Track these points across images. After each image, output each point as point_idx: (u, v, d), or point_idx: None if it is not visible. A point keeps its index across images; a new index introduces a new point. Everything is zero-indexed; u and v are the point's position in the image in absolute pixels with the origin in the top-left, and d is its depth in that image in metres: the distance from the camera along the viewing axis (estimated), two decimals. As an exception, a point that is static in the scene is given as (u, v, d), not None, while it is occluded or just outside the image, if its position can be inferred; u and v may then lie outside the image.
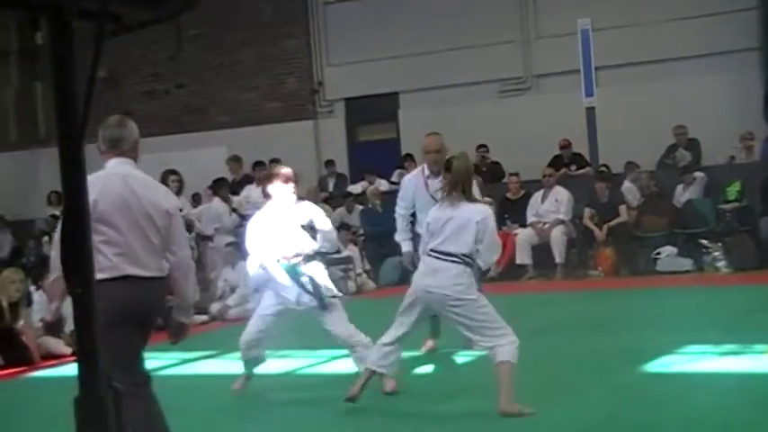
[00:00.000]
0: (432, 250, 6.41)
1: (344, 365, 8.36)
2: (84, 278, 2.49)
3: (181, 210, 14.10)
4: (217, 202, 14.37)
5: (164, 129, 19.23)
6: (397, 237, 8.79)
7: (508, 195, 15.25)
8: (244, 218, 14.17)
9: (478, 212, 6.40)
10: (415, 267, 7.02)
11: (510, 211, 15.04)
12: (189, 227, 13.44)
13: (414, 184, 8.62)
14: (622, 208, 14.39)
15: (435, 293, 6.35)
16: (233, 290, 12.40)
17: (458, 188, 6.40)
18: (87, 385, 2.47)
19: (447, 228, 6.36)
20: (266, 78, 19.09)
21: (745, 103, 15.59)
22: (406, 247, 8.66)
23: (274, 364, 8.75)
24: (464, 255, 6.30)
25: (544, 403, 6.41)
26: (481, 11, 17.45)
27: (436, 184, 7.84)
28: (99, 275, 2.86)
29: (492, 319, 6.29)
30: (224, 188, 14.76)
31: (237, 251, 12.96)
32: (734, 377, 6.92)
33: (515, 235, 14.61)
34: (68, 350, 9.84)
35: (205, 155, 17.73)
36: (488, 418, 6.11)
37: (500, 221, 15.00)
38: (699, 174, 14.70)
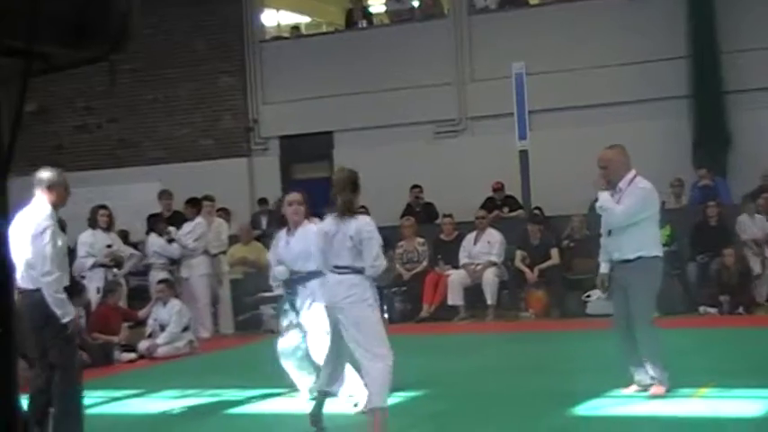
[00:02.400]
0: (332, 266, 6.69)
1: (277, 404, 8.28)
2: (4, 316, 2.40)
3: (110, 245, 13.92)
4: (153, 238, 14.20)
5: (96, 163, 19.04)
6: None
7: (441, 236, 15.29)
8: (186, 247, 13.99)
9: (354, 226, 6.61)
10: None
11: (443, 252, 15.09)
12: (118, 263, 13.26)
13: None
14: (554, 251, 14.50)
15: (333, 307, 6.61)
16: (162, 328, 12.21)
17: (340, 202, 6.65)
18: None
19: (335, 242, 6.63)
20: (201, 115, 19.00)
21: (674, 149, 15.88)
22: None
23: (204, 403, 8.63)
24: (355, 267, 6.55)
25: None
26: (417, 52, 17.59)
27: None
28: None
29: (377, 337, 6.53)
30: (159, 223, 14.60)
31: (170, 288, 12.81)
32: (661, 420, 6.97)
33: (448, 276, 14.65)
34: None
35: (138, 190, 17.54)
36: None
37: (433, 262, 15.09)
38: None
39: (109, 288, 12.28)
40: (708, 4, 15.95)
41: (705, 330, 12.04)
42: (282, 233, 8.17)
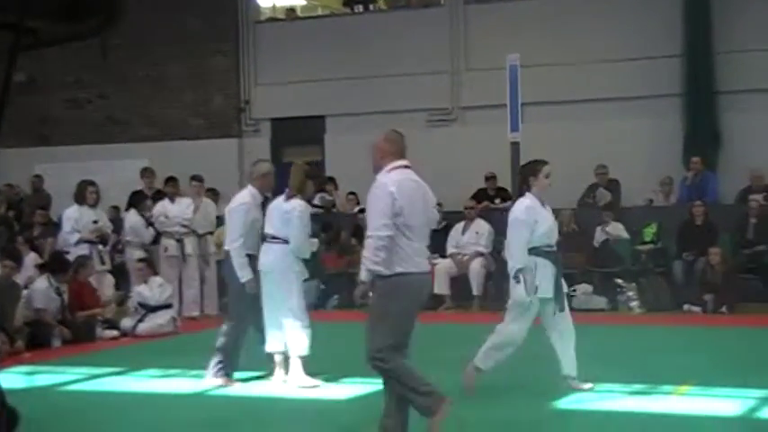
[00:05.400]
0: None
1: (256, 388, 8.28)
2: None
3: (96, 221, 13.89)
4: (133, 215, 14.17)
5: (85, 138, 18.96)
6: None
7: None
8: (159, 233, 14.00)
9: (287, 207, 8.19)
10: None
11: (430, 241, 15.04)
12: (103, 239, 13.21)
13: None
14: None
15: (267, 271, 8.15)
16: (144, 306, 12.18)
17: (293, 189, 8.27)
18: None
19: (274, 217, 8.23)
20: (193, 94, 18.93)
21: (665, 147, 15.91)
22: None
23: (186, 384, 8.63)
24: (285, 238, 8.11)
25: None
26: (413, 40, 17.56)
27: None
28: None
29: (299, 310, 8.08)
30: (142, 202, 14.56)
31: (149, 267, 12.79)
32: (641, 417, 6.99)
33: (434, 265, 14.64)
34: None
35: (126, 167, 17.49)
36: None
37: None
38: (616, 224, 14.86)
39: (79, 263, 12.19)
40: (704, 3, 15.96)
41: (688, 329, 12.07)
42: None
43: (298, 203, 8.23)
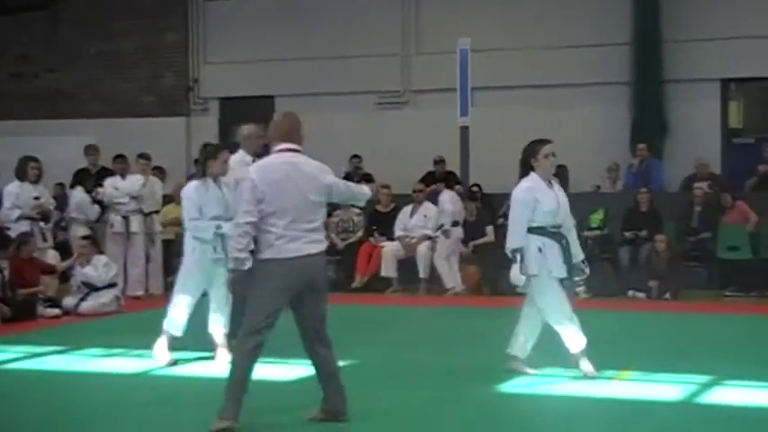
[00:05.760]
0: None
1: (200, 368, 8.23)
2: None
3: (38, 198, 13.67)
4: (79, 192, 14.00)
5: (31, 113, 18.67)
6: None
7: (378, 208, 15.27)
8: (105, 209, 13.88)
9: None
10: None
11: (378, 224, 15.08)
12: (46, 216, 13.01)
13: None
14: (489, 228, 14.58)
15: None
16: (87, 285, 12.03)
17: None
18: None
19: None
20: (143, 70, 18.74)
21: (613, 134, 16.05)
22: None
23: (130, 364, 8.55)
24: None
25: (398, 417, 6.42)
26: (364, 22, 17.50)
27: None
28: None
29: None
30: (88, 179, 14.39)
31: (93, 245, 12.63)
32: (583, 401, 7.04)
33: (382, 247, 14.66)
34: None
35: (72, 143, 17.22)
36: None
37: (368, 233, 15.08)
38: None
39: (21, 240, 12.01)
40: (653, -8, 16.11)
41: (632, 314, 12.21)
42: None
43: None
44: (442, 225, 14.48)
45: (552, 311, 7.57)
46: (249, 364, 5.85)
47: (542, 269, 7.49)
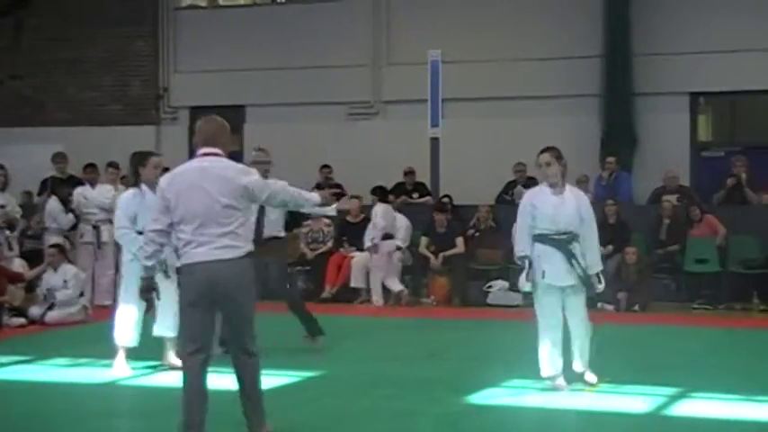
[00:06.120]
0: None
1: (166, 377, 8.15)
2: None
3: (3, 206, 13.50)
4: (53, 201, 13.89)
5: (-4, 120, 18.50)
6: None
7: (348, 218, 15.23)
8: (79, 219, 13.76)
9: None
10: None
11: (348, 234, 15.04)
12: (11, 225, 12.87)
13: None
14: (459, 240, 14.57)
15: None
16: (52, 293, 11.90)
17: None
18: None
19: None
20: (111, 79, 18.63)
21: (583, 147, 16.08)
22: None
23: (96, 374, 8.45)
24: None
25: (367, 430, 6.37)
26: (335, 32, 17.49)
27: None
28: None
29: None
30: (61, 187, 14.27)
31: (61, 253, 12.50)
32: (553, 412, 7.04)
33: (352, 258, 14.62)
34: None
35: (39, 151, 17.04)
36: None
37: (338, 243, 15.04)
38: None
39: None
40: (623, 6, 16.19)
41: (601, 326, 12.17)
42: None
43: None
44: (372, 239, 14.39)
45: (539, 321, 7.61)
46: (201, 382, 5.63)
47: (537, 276, 7.49)
